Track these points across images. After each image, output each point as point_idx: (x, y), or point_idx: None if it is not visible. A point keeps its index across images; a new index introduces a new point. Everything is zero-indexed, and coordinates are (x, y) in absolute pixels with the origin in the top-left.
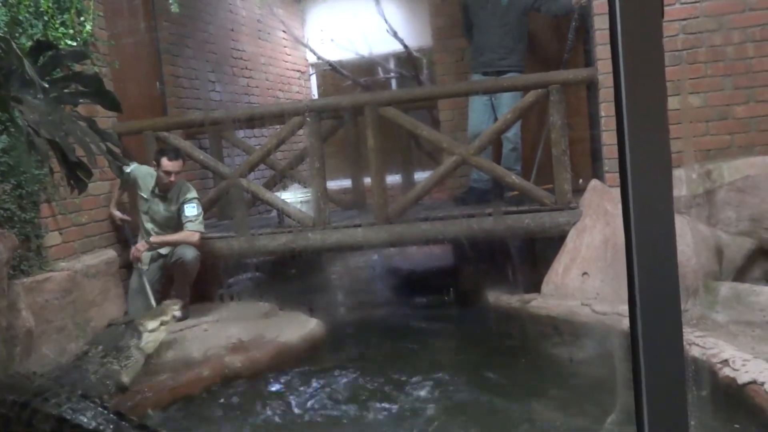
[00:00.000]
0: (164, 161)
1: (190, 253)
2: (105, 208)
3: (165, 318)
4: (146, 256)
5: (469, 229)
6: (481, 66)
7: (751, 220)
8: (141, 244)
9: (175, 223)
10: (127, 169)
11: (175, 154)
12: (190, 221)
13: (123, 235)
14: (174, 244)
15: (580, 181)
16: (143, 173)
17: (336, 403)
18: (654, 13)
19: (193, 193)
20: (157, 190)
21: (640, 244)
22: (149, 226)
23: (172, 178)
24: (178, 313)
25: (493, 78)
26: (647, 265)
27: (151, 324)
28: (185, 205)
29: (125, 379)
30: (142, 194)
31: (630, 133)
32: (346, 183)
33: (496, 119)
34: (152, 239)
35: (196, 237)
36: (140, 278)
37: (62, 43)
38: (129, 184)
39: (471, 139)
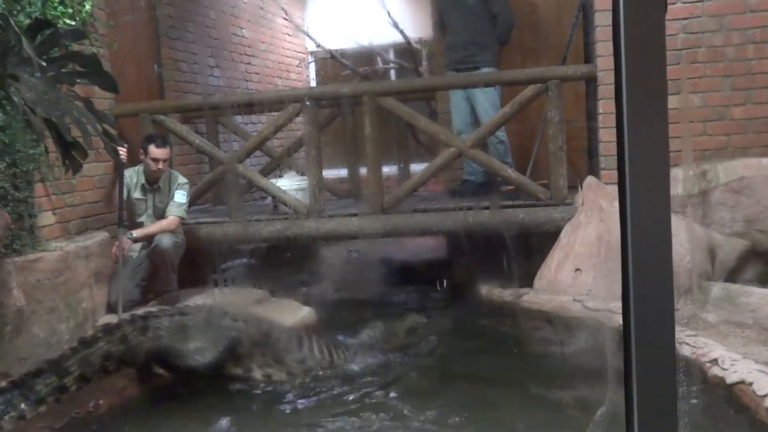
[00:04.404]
0: (152, 148)
1: (166, 240)
2: (99, 189)
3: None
4: (136, 245)
5: (464, 222)
6: (453, 63)
7: (745, 222)
8: (125, 241)
9: None
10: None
11: (163, 140)
12: (175, 206)
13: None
14: (156, 233)
15: (579, 193)
16: (128, 176)
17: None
18: (657, 9)
19: (184, 179)
20: (146, 185)
21: (635, 241)
22: (148, 221)
23: (160, 166)
24: None
25: (469, 74)
26: (642, 262)
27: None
28: (176, 191)
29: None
30: (135, 195)
31: (629, 130)
32: (343, 172)
33: (476, 115)
34: (134, 234)
35: (174, 223)
36: (121, 266)
37: (61, 21)
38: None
39: (456, 134)
